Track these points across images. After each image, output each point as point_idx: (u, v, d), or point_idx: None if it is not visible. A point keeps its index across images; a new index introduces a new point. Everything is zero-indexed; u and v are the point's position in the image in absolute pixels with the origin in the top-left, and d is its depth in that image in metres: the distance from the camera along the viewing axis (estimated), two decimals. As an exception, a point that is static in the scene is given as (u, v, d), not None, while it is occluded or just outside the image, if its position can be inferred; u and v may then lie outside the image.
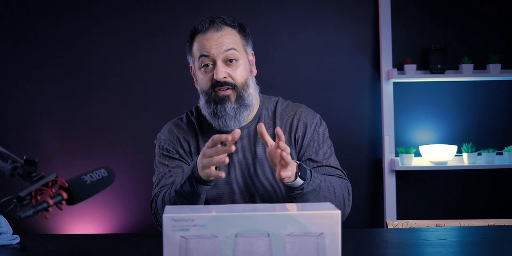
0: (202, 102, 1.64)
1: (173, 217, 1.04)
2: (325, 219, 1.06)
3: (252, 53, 1.70)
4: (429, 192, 3.27)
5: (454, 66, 3.20)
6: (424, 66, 3.21)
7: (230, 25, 1.63)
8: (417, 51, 3.25)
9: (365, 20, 3.25)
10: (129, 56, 3.24)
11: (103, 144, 3.23)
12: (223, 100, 1.59)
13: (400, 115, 3.22)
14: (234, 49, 1.60)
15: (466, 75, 3.12)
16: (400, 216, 3.18)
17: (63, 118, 3.23)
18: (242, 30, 1.66)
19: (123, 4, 3.25)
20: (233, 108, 1.59)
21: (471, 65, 3.11)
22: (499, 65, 3.10)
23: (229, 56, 1.59)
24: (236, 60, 1.60)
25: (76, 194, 1.01)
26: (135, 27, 3.24)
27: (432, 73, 3.13)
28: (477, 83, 3.25)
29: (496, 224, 2.85)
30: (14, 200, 0.96)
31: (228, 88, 1.59)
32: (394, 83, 3.19)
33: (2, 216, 1.52)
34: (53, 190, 0.99)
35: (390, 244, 1.46)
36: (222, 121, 1.60)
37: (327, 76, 3.25)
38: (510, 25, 3.27)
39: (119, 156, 3.22)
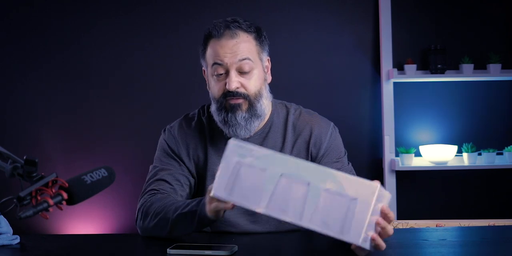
0: (213, 108, 1.60)
1: (237, 143, 1.22)
2: (363, 187, 1.13)
3: (268, 59, 1.64)
4: (429, 192, 3.27)
5: (454, 66, 3.19)
6: (424, 66, 3.21)
7: (246, 31, 1.57)
8: (417, 51, 3.25)
9: (365, 20, 3.25)
10: (129, 56, 3.24)
11: (103, 144, 3.23)
12: (234, 108, 1.55)
13: (400, 115, 3.22)
14: (249, 58, 1.54)
15: (466, 75, 3.11)
16: (400, 216, 3.18)
17: (63, 118, 3.23)
18: (259, 35, 1.60)
19: (124, 4, 3.24)
20: (243, 118, 1.55)
21: (471, 65, 3.11)
22: (499, 65, 3.10)
23: (243, 66, 1.54)
24: (250, 70, 1.55)
25: (76, 194, 1.01)
26: (135, 27, 3.24)
27: (432, 73, 3.13)
28: (477, 83, 3.25)
29: (496, 224, 2.84)
30: (14, 200, 0.96)
31: (240, 98, 1.55)
32: (394, 83, 3.19)
33: (2, 216, 1.52)
34: (53, 190, 0.99)
35: (390, 244, 1.46)
36: (233, 130, 1.57)
37: (327, 76, 3.25)
38: (510, 25, 3.27)
39: (119, 156, 3.22)
